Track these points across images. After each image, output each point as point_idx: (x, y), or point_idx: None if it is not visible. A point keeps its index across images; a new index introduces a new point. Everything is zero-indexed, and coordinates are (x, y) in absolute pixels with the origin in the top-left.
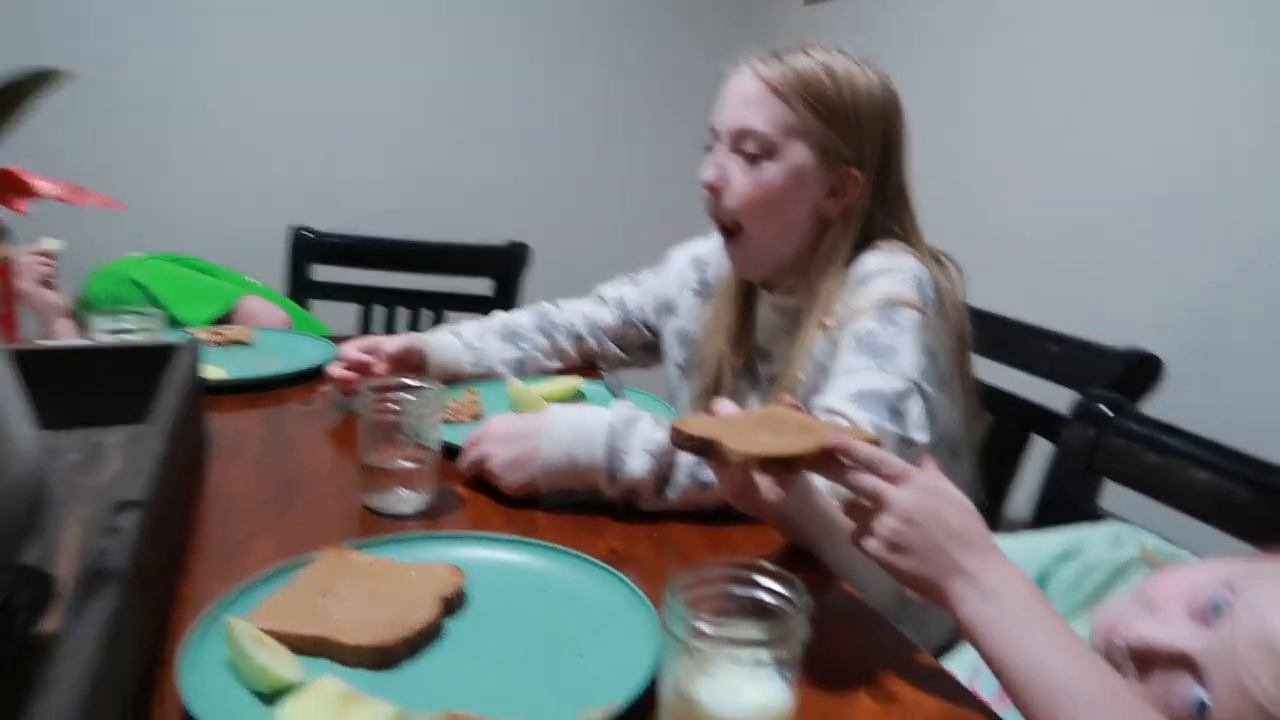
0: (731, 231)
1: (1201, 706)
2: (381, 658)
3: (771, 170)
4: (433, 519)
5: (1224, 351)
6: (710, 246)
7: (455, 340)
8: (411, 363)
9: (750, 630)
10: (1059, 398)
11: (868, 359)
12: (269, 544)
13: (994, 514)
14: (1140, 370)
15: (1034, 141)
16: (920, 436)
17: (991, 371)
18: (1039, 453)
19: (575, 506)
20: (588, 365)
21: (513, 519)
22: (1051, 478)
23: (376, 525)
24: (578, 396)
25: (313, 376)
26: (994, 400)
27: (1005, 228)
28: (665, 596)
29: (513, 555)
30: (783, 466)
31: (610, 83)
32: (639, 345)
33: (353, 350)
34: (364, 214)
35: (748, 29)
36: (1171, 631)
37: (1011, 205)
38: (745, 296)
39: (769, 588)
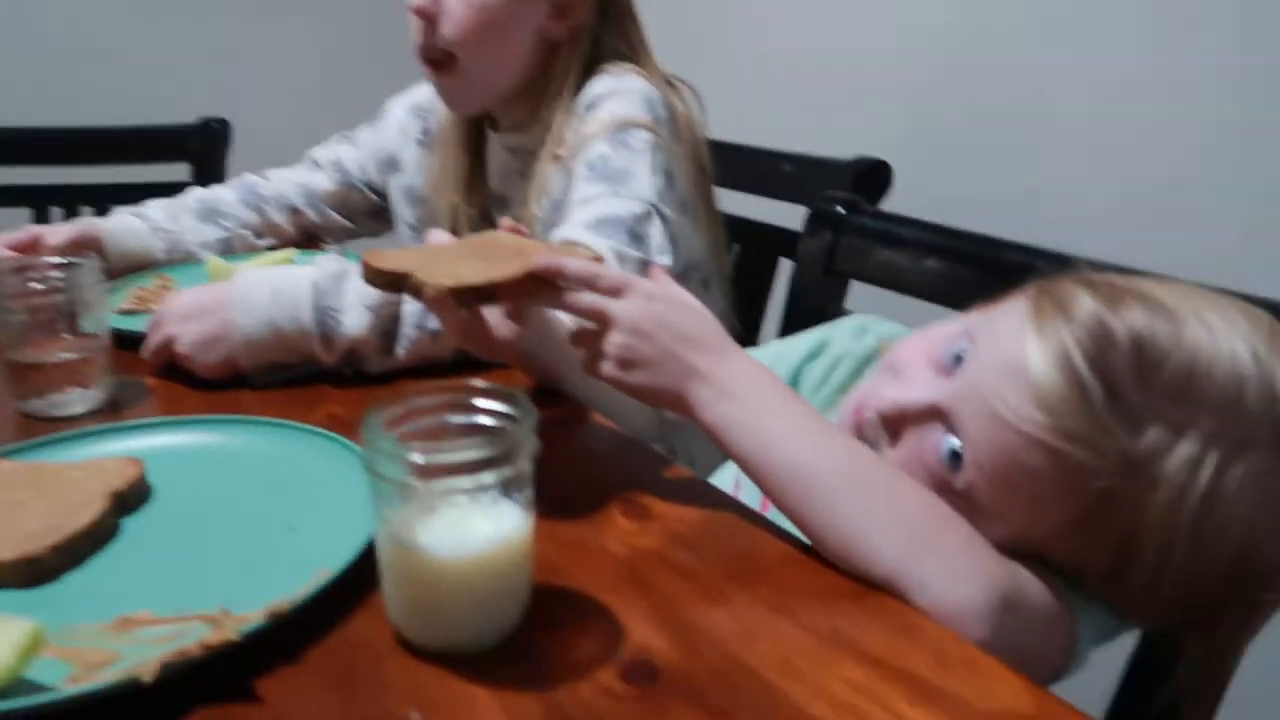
0: (442, 63)
1: (954, 455)
2: (32, 572)
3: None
4: (113, 416)
5: (945, 151)
6: (430, 92)
7: (139, 223)
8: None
9: (469, 451)
10: (800, 220)
11: (602, 185)
12: None
13: (749, 344)
14: (870, 177)
15: None
16: (664, 259)
17: (733, 201)
18: (787, 277)
19: (293, 381)
20: (308, 240)
21: (214, 402)
22: (794, 289)
23: (38, 432)
24: None
25: None
26: (738, 229)
27: (749, 55)
28: (363, 431)
29: (208, 437)
30: (483, 296)
31: None
32: (365, 211)
33: (1, 248)
34: (28, 102)
35: None
36: (918, 388)
37: (757, 33)
38: (472, 140)
39: (487, 408)
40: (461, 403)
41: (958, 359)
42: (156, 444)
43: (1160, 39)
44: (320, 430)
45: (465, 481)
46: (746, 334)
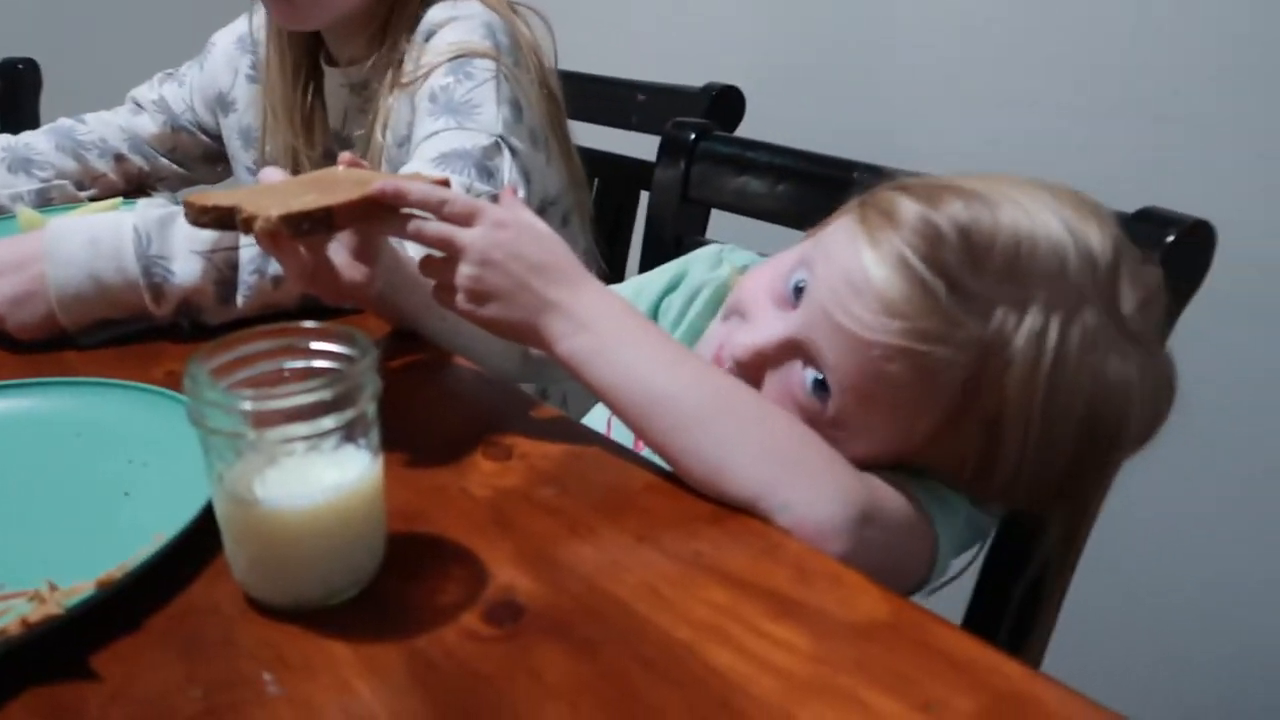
0: None
1: (818, 384)
2: None
3: None
4: None
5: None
6: (258, 22)
7: None
8: None
9: (305, 395)
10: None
11: (446, 118)
12: None
13: (614, 281)
14: (723, 103)
15: None
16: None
17: (590, 134)
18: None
19: (124, 339)
20: (136, 189)
21: (36, 365)
22: (651, 220)
23: None
24: None
25: None
26: (596, 162)
27: None
28: (186, 382)
29: (29, 402)
30: (319, 224)
31: None
32: (198, 154)
33: None
34: None
35: None
36: (766, 327)
37: None
38: (306, 77)
39: (322, 349)
40: (294, 345)
41: (798, 290)
42: None
43: None
44: (154, 388)
45: (303, 428)
46: (611, 270)
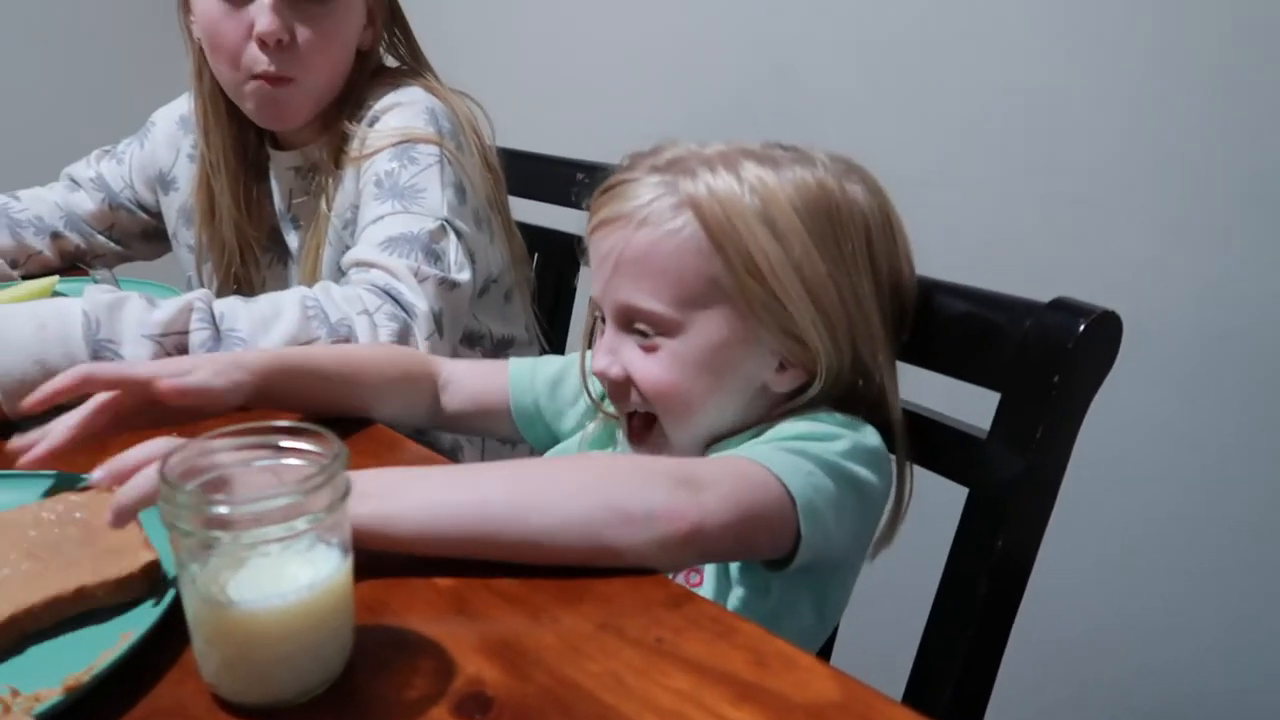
0: (281, 79)
1: (643, 335)
2: None
3: (332, 12)
4: None
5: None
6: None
7: None
8: None
9: (278, 499)
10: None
11: (392, 202)
12: None
13: (555, 351)
14: None
15: None
16: (461, 276)
17: (531, 210)
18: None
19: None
20: (71, 266)
21: None
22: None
23: None
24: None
25: None
26: (535, 237)
27: (530, 63)
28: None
29: None
30: None
31: None
32: (135, 233)
33: None
34: None
35: None
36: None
37: (537, 43)
38: (253, 161)
39: (294, 447)
40: (265, 443)
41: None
42: None
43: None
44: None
45: (277, 530)
46: (550, 345)
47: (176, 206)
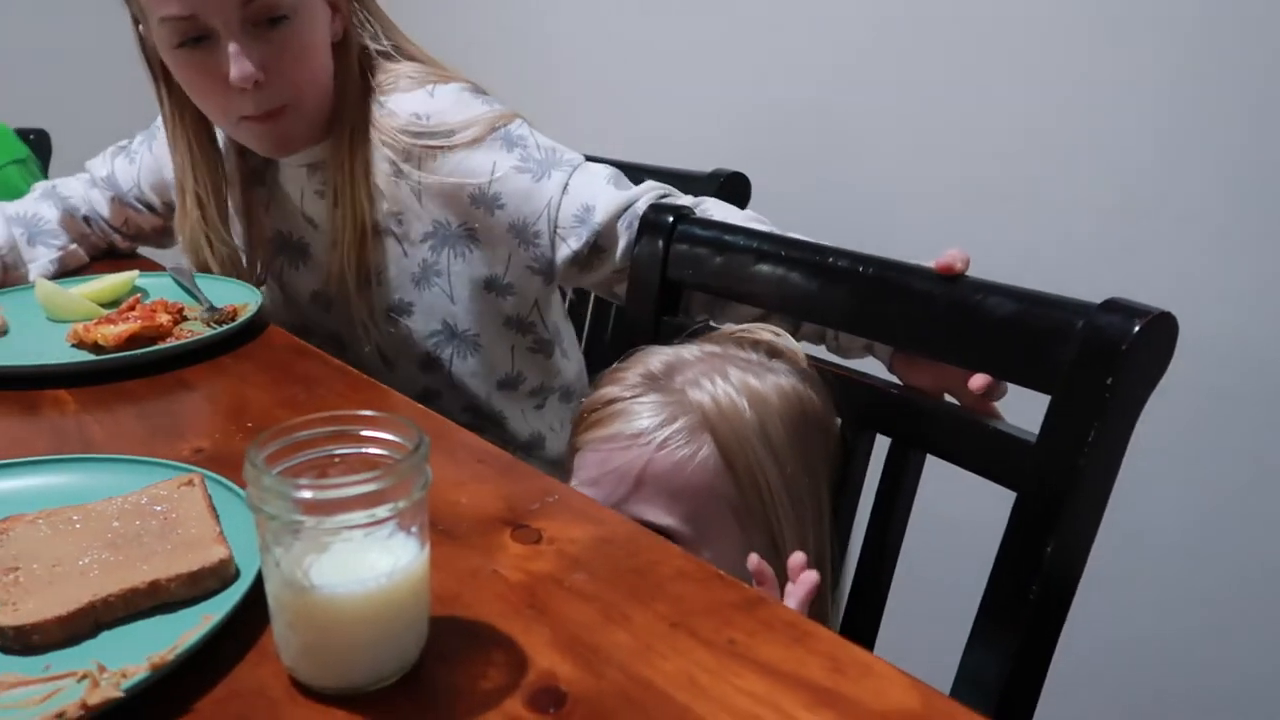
0: (275, 113)
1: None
2: None
3: (296, 23)
4: None
5: (795, 159)
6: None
7: None
8: None
9: (361, 485)
10: None
11: (556, 172)
12: None
13: (598, 355)
14: (729, 187)
15: None
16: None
17: None
18: None
19: (142, 414)
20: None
21: (60, 440)
22: (630, 297)
23: None
24: (134, 294)
25: None
26: None
27: (577, 64)
28: (246, 469)
29: (65, 479)
30: None
31: None
32: (148, 230)
33: None
34: None
35: None
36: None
37: (605, 51)
38: (258, 170)
39: (376, 437)
40: (349, 433)
41: None
42: (7, 489)
43: (1003, 39)
44: (188, 466)
45: (359, 516)
46: (589, 355)
47: None
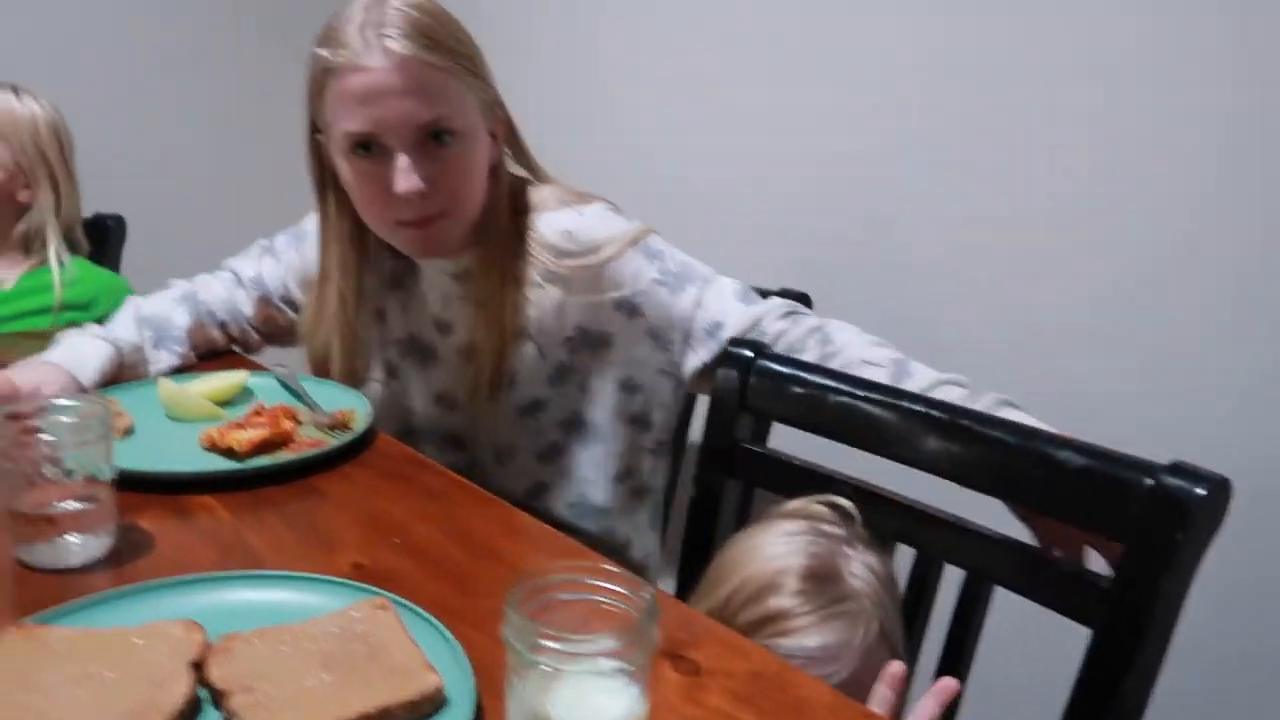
0: (431, 219)
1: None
2: None
3: (462, 145)
4: (118, 566)
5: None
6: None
7: (109, 349)
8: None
9: (597, 641)
10: None
11: (691, 287)
12: None
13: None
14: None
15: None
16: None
17: None
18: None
19: (288, 522)
20: (227, 349)
21: (226, 549)
22: (711, 423)
23: (47, 586)
24: (245, 394)
25: None
26: None
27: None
28: (506, 611)
29: (250, 594)
30: None
31: (174, 33)
32: (285, 328)
33: None
34: None
35: None
36: None
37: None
38: (405, 272)
39: (612, 590)
40: (591, 584)
41: None
42: (202, 604)
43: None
44: (366, 586)
45: (594, 665)
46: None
47: None
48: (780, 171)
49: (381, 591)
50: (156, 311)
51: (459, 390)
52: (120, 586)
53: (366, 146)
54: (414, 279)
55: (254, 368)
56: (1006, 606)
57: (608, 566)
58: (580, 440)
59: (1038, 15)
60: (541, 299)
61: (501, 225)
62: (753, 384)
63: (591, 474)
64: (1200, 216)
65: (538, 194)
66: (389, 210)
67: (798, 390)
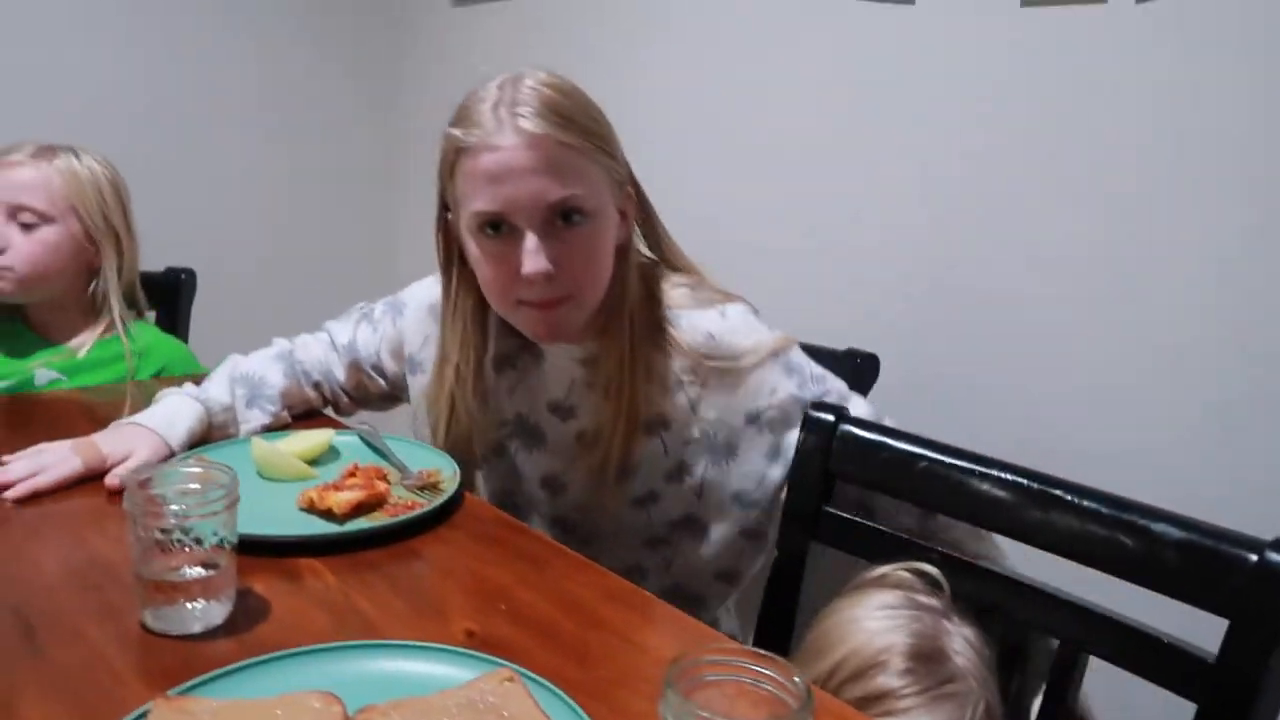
0: (556, 302)
1: None
2: None
3: (592, 225)
4: (238, 633)
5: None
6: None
7: (199, 409)
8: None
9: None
10: None
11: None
12: (36, 702)
13: None
14: (864, 368)
15: (713, 141)
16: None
17: None
18: None
19: (394, 587)
20: (320, 410)
21: (339, 615)
22: (793, 486)
23: (168, 651)
24: (331, 453)
25: None
26: None
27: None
28: (665, 689)
29: (377, 664)
30: None
31: (250, 86)
32: (376, 395)
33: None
34: None
35: (393, 27)
36: None
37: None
38: (530, 355)
39: (763, 673)
40: (743, 666)
41: None
42: (334, 673)
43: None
44: (487, 657)
45: None
46: None
47: (419, 388)
48: (847, 233)
49: (505, 663)
50: (252, 369)
51: (572, 475)
52: (255, 657)
53: (495, 226)
54: (529, 360)
55: (338, 426)
56: (1101, 677)
57: (758, 650)
58: (690, 539)
59: (1105, 73)
60: (673, 396)
61: (634, 313)
62: (836, 449)
63: (695, 569)
64: None
65: (676, 288)
66: (513, 290)
67: (883, 455)
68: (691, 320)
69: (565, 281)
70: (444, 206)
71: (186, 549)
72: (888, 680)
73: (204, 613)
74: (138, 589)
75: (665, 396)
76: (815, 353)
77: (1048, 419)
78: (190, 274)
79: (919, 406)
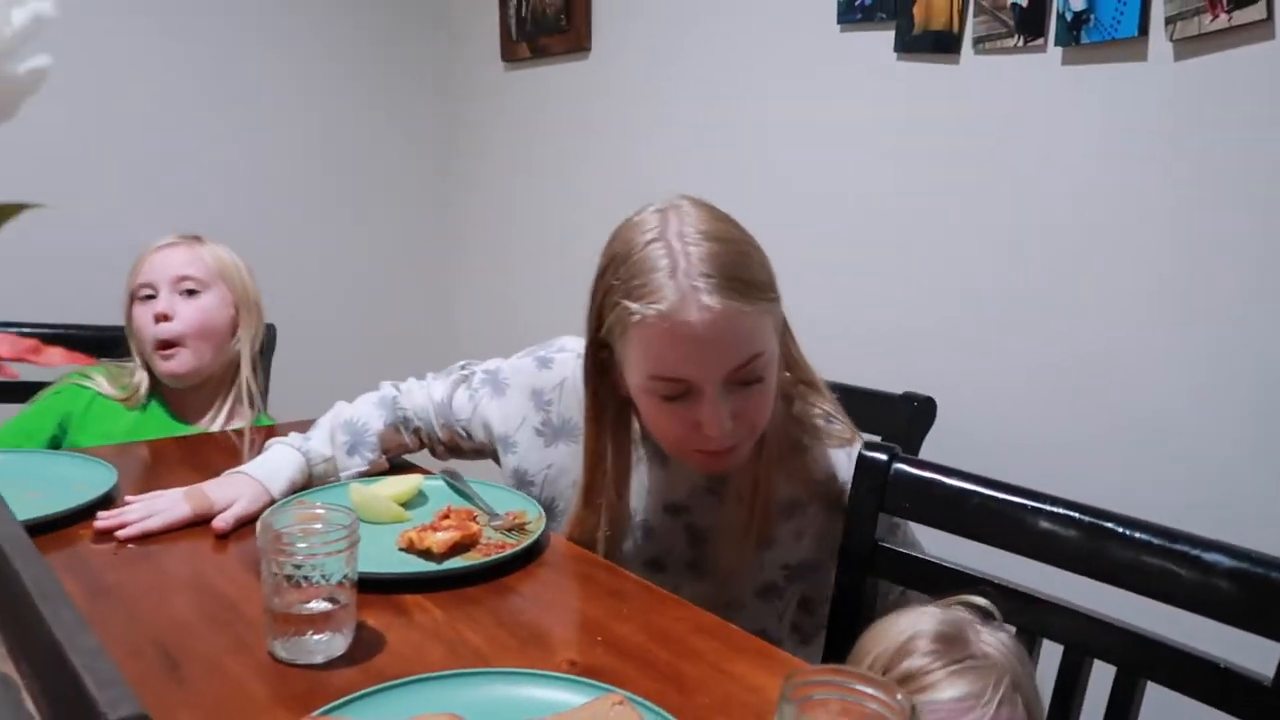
0: (731, 448)
1: None
2: None
3: (767, 376)
4: (359, 662)
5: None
6: (553, 380)
7: (301, 459)
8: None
9: None
10: None
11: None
12: None
13: None
14: (921, 412)
15: (771, 194)
16: None
17: None
18: None
19: (498, 620)
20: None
21: (451, 646)
22: (849, 525)
23: (297, 679)
24: (420, 497)
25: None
26: None
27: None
28: (780, 705)
29: (494, 689)
30: None
31: (301, 140)
32: (469, 451)
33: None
34: (53, 301)
35: (444, 93)
36: None
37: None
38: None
39: (870, 694)
40: (851, 687)
41: None
42: (454, 699)
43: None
44: (597, 684)
45: None
46: None
47: (512, 467)
48: (904, 279)
49: (615, 688)
50: (355, 416)
51: (669, 558)
52: (379, 684)
53: (672, 384)
54: (651, 460)
55: (425, 472)
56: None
57: (863, 671)
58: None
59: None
60: (789, 515)
61: (774, 434)
62: (890, 486)
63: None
64: None
65: (815, 417)
66: (689, 440)
67: (937, 493)
68: (828, 457)
69: (741, 431)
70: (599, 344)
71: (314, 584)
72: (912, 662)
73: (328, 644)
74: (267, 621)
75: (782, 514)
76: (872, 396)
77: (1098, 466)
78: (270, 329)
79: (974, 451)
